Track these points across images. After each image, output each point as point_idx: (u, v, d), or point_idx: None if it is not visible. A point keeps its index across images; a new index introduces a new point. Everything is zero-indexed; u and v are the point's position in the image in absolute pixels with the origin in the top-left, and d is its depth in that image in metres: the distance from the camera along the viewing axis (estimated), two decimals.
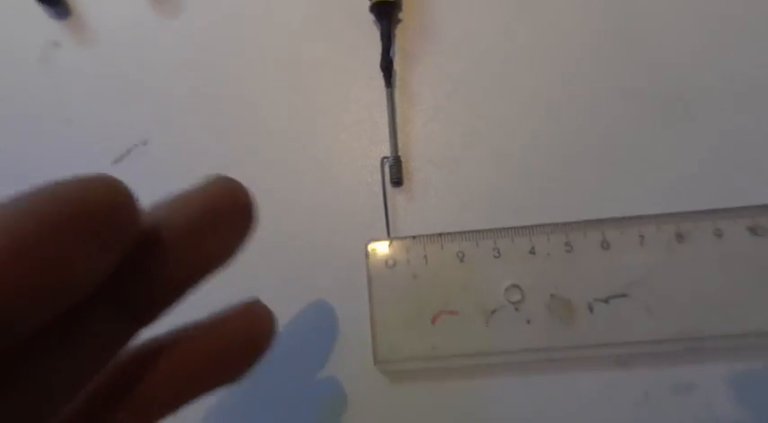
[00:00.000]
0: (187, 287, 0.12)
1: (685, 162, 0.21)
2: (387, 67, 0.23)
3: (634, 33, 0.24)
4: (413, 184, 0.22)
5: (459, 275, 0.20)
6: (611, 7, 0.24)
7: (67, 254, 0.09)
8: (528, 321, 0.19)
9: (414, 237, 0.20)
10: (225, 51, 0.25)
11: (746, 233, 0.19)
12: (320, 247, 0.22)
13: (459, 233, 0.20)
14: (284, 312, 0.20)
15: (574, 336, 0.18)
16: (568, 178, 0.22)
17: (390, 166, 0.22)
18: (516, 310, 0.19)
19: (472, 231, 0.20)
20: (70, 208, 0.09)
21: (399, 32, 0.25)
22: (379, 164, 0.23)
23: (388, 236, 0.21)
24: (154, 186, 0.12)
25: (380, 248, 0.20)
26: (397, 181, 0.22)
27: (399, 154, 0.22)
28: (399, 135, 0.23)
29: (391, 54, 0.24)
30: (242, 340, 0.12)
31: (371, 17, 0.25)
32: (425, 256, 0.20)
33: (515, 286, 0.19)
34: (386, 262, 0.20)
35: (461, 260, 0.20)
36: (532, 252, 0.20)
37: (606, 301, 0.19)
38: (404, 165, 0.22)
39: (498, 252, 0.20)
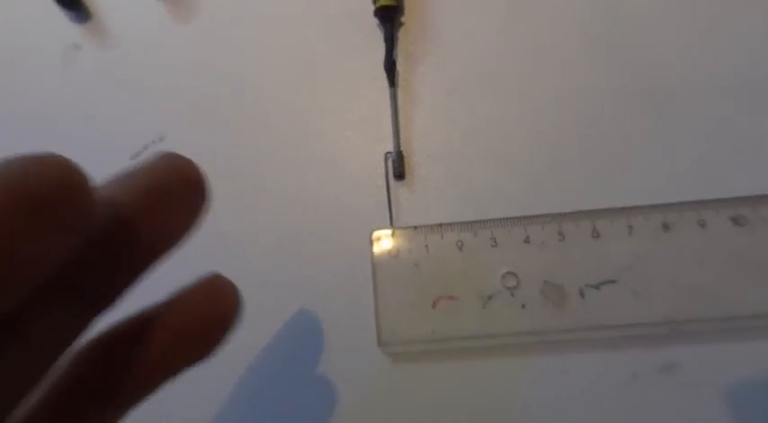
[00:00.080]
0: (142, 269, 0.11)
1: (671, 156, 0.22)
2: (390, 67, 0.24)
3: (624, 34, 0.24)
4: (414, 178, 0.23)
5: (458, 263, 0.20)
6: (607, 8, 0.24)
7: (12, 242, 0.08)
8: (523, 306, 0.19)
9: (415, 227, 0.21)
10: (237, 54, 0.26)
11: (729, 223, 0.19)
12: (328, 236, 0.22)
13: (459, 223, 0.20)
14: (294, 298, 0.21)
15: (566, 319, 0.19)
16: (561, 172, 0.22)
17: (393, 161, 0.23)
18: (512, 295, 0.19)
19: (470, 222, 0.21)
20: (12, 193, 0.08)
21: (402, 35, 0.25)
22: (382, 159, 0.23)
23: (392, 226, 0.21)
24: None
25: (384, 238, 0.21)
26: (400, 175, 0.23)
27: (402, 149, 0.23)
28: (402, 132, 0.23)
29: (394, 55, 0.24)
30: (207, 315, 0.12)
31: (375, 21, 0.25)
32: (426, 245, 0.20)
33: (511, 273, 0.20)
34: (389, 251, 0.20)
35: (460, 249, 0.20)
36: (527, 241, 0.20)
37: (596, 286, 0.19)
38: (406, 159, 0.23)
39: (495, 241, 0.20)
